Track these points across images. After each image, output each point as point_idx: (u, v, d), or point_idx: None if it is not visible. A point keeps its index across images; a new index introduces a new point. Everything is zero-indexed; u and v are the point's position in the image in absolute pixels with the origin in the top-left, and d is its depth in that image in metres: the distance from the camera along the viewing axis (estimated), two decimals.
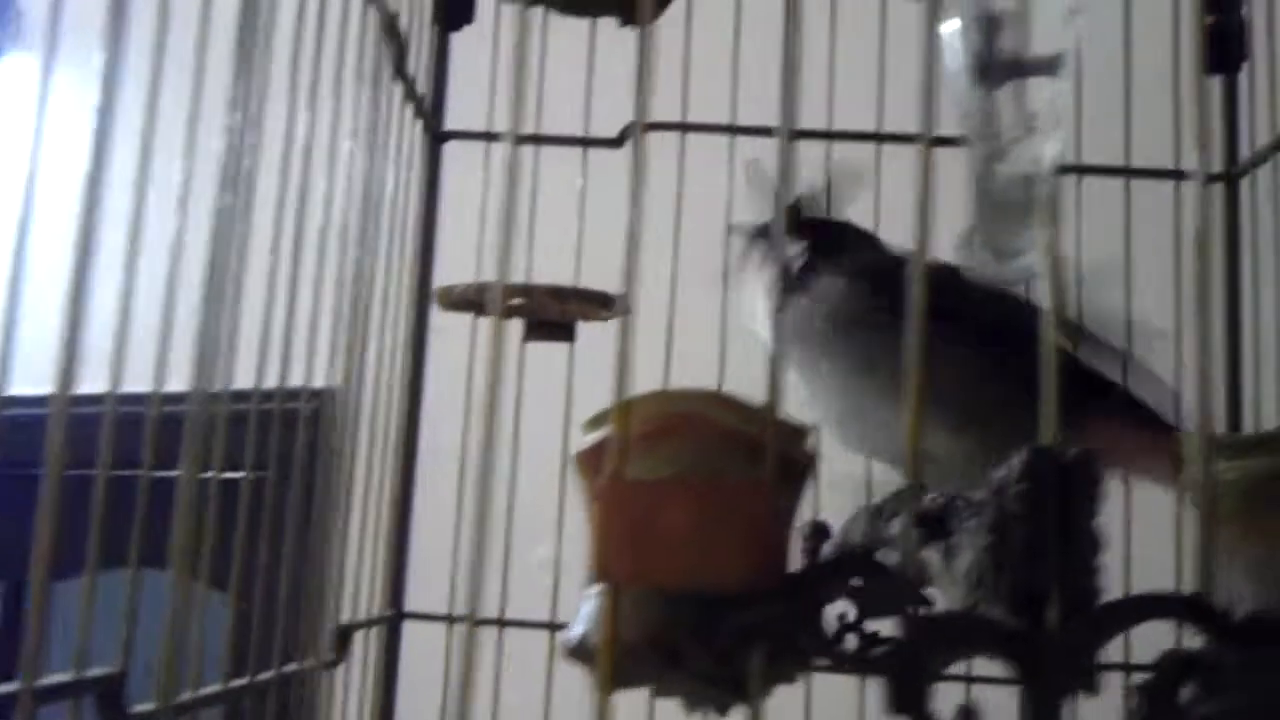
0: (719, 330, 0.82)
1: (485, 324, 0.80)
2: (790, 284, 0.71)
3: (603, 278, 0.79)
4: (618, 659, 0.31)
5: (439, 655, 0.76)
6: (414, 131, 0.78)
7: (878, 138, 0.83)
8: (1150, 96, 0.85)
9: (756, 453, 0.31)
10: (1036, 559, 0.28)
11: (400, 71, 0.71)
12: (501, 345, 0.31)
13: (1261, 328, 0.79)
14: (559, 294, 0.73)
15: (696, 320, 0.82)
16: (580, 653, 0.30)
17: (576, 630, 0.32)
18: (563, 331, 0.81)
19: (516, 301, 0.74)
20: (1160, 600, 0.28)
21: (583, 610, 0.32)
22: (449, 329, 0.81)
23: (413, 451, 0.83)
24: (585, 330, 0.80)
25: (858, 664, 0.28)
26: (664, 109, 0.84)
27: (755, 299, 0.77)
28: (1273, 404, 0.79)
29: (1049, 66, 0.26)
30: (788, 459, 0.32)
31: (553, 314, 0.78)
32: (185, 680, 0.48)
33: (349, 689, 0.73)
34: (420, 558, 0.84)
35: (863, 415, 0.67)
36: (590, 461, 0.31)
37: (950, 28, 0.28)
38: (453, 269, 0.82)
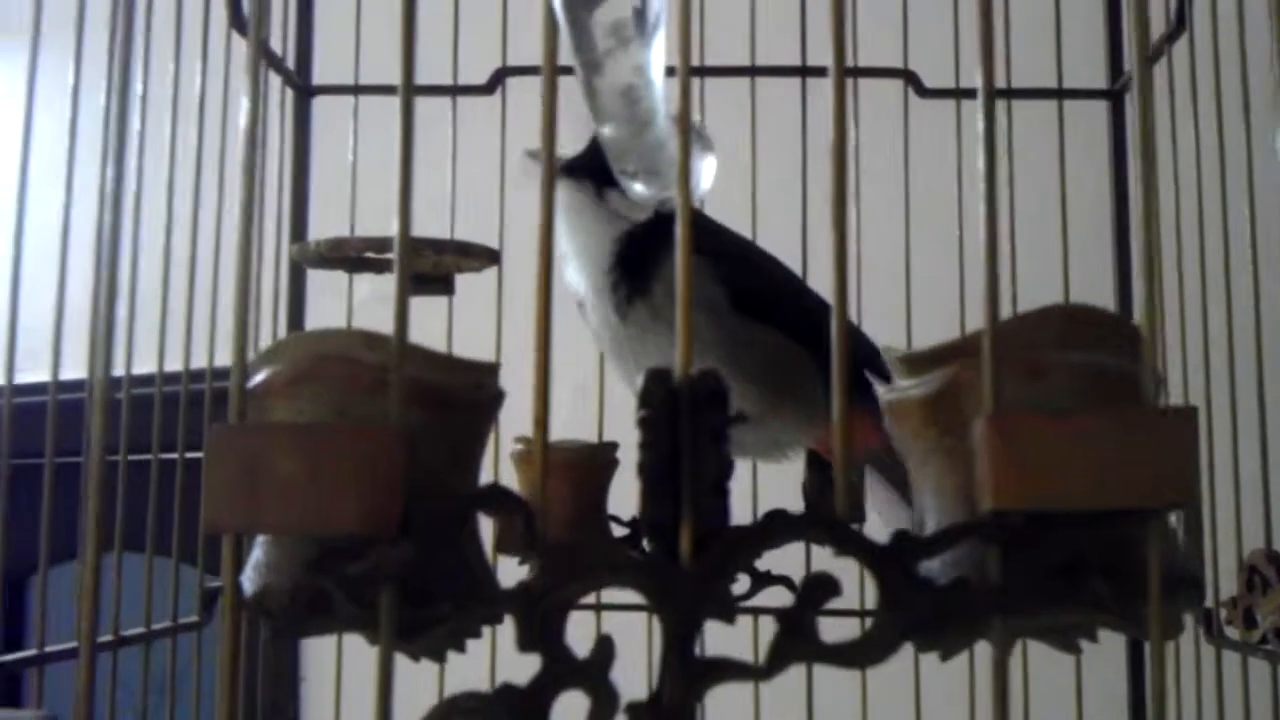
0: None
1: (360, 280, 0.79)
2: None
3: (481, 228, 0.77)
4: (275, 609, 0.30)
5: None
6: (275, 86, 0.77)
7: (753, 71, 0.81)
8: (1029, 15, 0.83)
9: (424, 394, 0.31)
10: (660, 486, 0.27)
11: (238, 24, 0.69)
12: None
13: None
14: (418, 244, 0.71)
15: None
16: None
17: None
18: (440, 285, 0.79)
19: (373, 255, 0.72)
20: (796, 521, 0.27)
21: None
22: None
23: None
24: (466, 282, 0.79)
25: (487, 603, 0.27)
26: (535, 53, 0.82)
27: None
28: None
29: None
30: (454, 397, 0.31)
31: (423, 267, 0.76)
32: None
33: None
34: None
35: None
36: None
37: None
38: (334, 224, 0.81)
